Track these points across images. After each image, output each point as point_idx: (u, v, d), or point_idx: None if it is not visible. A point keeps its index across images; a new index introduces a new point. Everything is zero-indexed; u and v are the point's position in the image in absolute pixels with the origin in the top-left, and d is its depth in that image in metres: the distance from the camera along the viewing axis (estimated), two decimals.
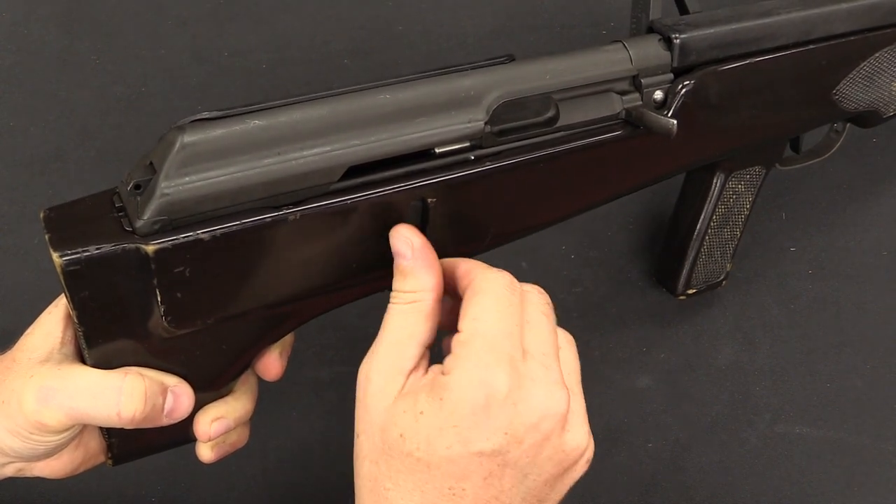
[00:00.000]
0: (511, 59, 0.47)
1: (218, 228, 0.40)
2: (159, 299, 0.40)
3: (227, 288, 0.42)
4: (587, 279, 0.71)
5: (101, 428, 0.45)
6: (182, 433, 0.47)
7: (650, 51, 0.50)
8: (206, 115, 0.40)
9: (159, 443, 0.47)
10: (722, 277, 0.68)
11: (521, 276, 0.70)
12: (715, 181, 0.62)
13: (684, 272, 0.66)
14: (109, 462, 0.47)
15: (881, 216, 0.74)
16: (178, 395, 0.43)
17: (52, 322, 0.44)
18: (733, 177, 0.62)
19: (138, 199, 0.40)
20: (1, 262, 0.65)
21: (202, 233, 0.40)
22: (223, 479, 0.66)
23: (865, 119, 0.63)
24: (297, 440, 0.67)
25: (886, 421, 0.72)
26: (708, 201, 0.63)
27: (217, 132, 0.39)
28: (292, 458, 0.67)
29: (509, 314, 0.42)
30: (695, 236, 0.64)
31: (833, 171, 0.73)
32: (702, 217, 0.64)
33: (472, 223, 0.47)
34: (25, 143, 0.65)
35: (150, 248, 0.39)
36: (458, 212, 0.46)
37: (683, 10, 0.54)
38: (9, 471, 0.45)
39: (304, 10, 0.68)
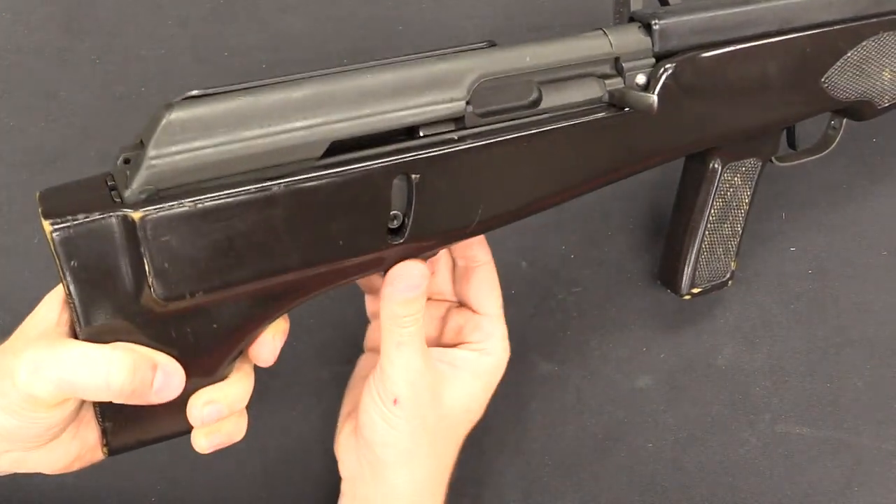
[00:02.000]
0: (492, 44, 0.49)
1: (203, 198, 0.41)
2: (148, 270, 0.41)
3: (215, 260, 0.43)
4: (587, 279, 0.71)
5: (95, 411, 0.45)
6: (178, 422, 0.47)
7: (630, 37, 0.52)
8: (195, 92, 0.42)
9: (155, 432, 0.47)
10: (727, 277, 0.67)
11: (521, 276, 0.70)
12: (709, 173, 0.62)
13: (686, 270, 0.66)
14: (105, 450, 0.46)
15: (881, 216, 0.74)
16: (168, 373, 0.44)
17: (49, 306, 0.45)
18: (728, 169, 0.62)
19: (128, 172, 0.41)
20: (1, 261, 0.65)
21: (188, 202, 0.41)
22: (223, 478, 0.66)
23: (860, 110, 0.63)
24: (297, 440, 0.67)
25: (886, 421, 0.72)
26: (704, 194, 0.63)
27: (203, 108, 0.41)
28: (292, 458, 0.67)
29: None
30: (693, 231, 0.64)
31: (833, 171, 0.73)
32: (699, 211, 0.64)
33: (460, 202, 0.48)
34: (25, 143, 0.65)
35: (137, 216, 0.40)
36: (444, 190, 0.47)
37: (664, 1, 0.55)
38: (5, 462, 0.45)
39: (304, 10, 0.68)
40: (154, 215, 0.40)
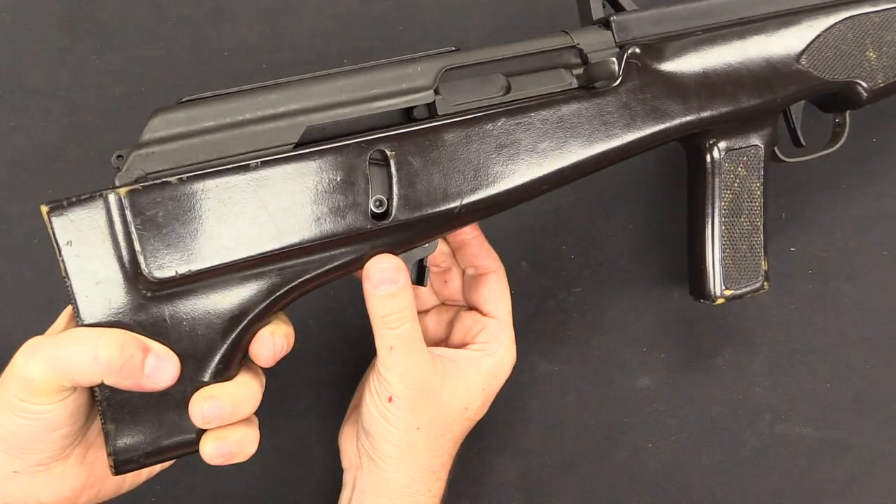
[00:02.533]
0: (457, 49, 0.52)
1: (186, 175, 0.44)
2: (138, 247, 0.44)
3: (200, 235, 0.45)
4: (587, 279, 0.71)
5: (98, 408, 0.45)
6: (185, 433, 0.47)
7: (592, 34, 0.55)
8: (184, 99, 0.46)
9: (163, 444, 0.47)
10: (761, 279, 0.64)
11: (522, 277, 0.70)
12: (709, 163, 0.62)
13: (712, 271, 0.63)
14: (111, 461, 0.46)
15: (881, 216, 0.74)
16: (159, 357, 0.45)
17: (59, 320, 0.47)
18: (729, 158, 0.62)
19: (120, 165, 0.45)
20: (1, 262, 0.65)
21: (173, 179, 0.44)
22: (223, 479, 0.66)
23: (854, 93, 0.63)
24: (296, 440, 0.67)
25: (886, 421, 0.72)
26: (709, 186, 0.62)
27: (190, 107, 0.46)
28: (292, 457, 0.67)
29: None
30: (708, 226, 0.63)
31: (833, 171, 0.74)
32: (708, 203, 0.63)
33: (441, 184, 0.49)
34: (25, 143, 0.65)
35: (123, 190, 0.44)
36: (421, 169, 0.48)
37: (619, 8, 0.58)
38: (12, 490, 0.45)
39: (304, 10, 0.68)
40: (140, 191, 0.44)
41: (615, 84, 0.53)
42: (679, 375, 0.71)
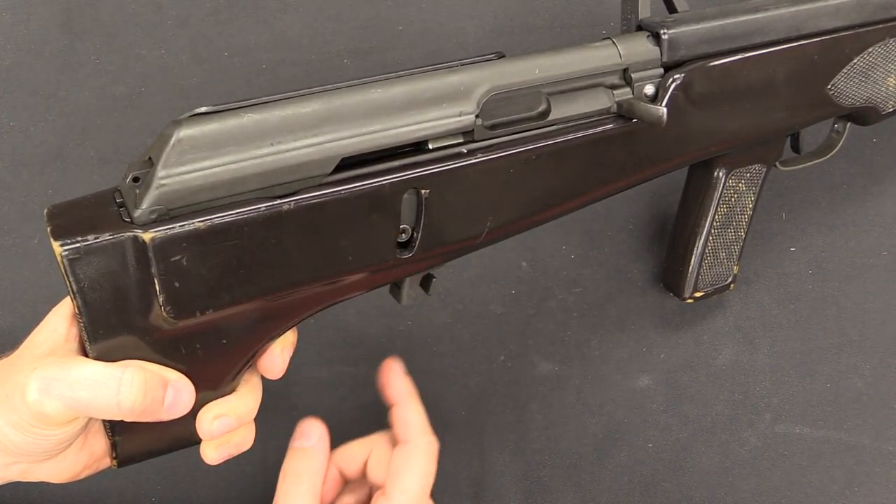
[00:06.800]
0: (500, 55, 0.48)
1: (214, 217, 0.41)
2: (158, 289, 0.41)
3: (225, 278, 0.42)
4: (587, 279, 0.71)
5: (104, 426, 0.45)
6: (186, 434, 0.46)
7: (639, 47, 0.51)
8: (203, 109, 0.41)
9: (164, 444, 0.47)
10: (729, 281, 0.67)
11: (522, 277, 0.70)
12: (715, 180, 0.62)
13: (690, 275, 0.66)
14: (114, 463, 0.46)
15: (881, 216, 0.74)
16: (178, 390, 0.44)
17: (58, 320, 0.44)
18: (733, 175, 0.62)
19: (137, 191, 0.41)
20: (1, 262, 0.65)
21: (199, 222, 0.40)
22: (223, 479, 0.66)
23: (864, 116, 0.63)
24: None
25: (886, 421, 0.72)
26: (709, 200, 0.63)
27: (212, 125, 0.41)
28: None
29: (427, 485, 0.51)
30: (698, 237, 0.64)
31: (833, 171, 0.74)
32: (703, 217, 0.64)
33: (469, 216, 0.48)
34: (25, 143, 0.65)
35: (148, 237, 0.40)
36: (453, 203, 0.47)
37: (672, 9, 0.55)
38: (13, 473, 0.45)
39: (304, 10, 0.68)
40: (165, 236, 0.40)
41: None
42: (679, 375, 0.71)
